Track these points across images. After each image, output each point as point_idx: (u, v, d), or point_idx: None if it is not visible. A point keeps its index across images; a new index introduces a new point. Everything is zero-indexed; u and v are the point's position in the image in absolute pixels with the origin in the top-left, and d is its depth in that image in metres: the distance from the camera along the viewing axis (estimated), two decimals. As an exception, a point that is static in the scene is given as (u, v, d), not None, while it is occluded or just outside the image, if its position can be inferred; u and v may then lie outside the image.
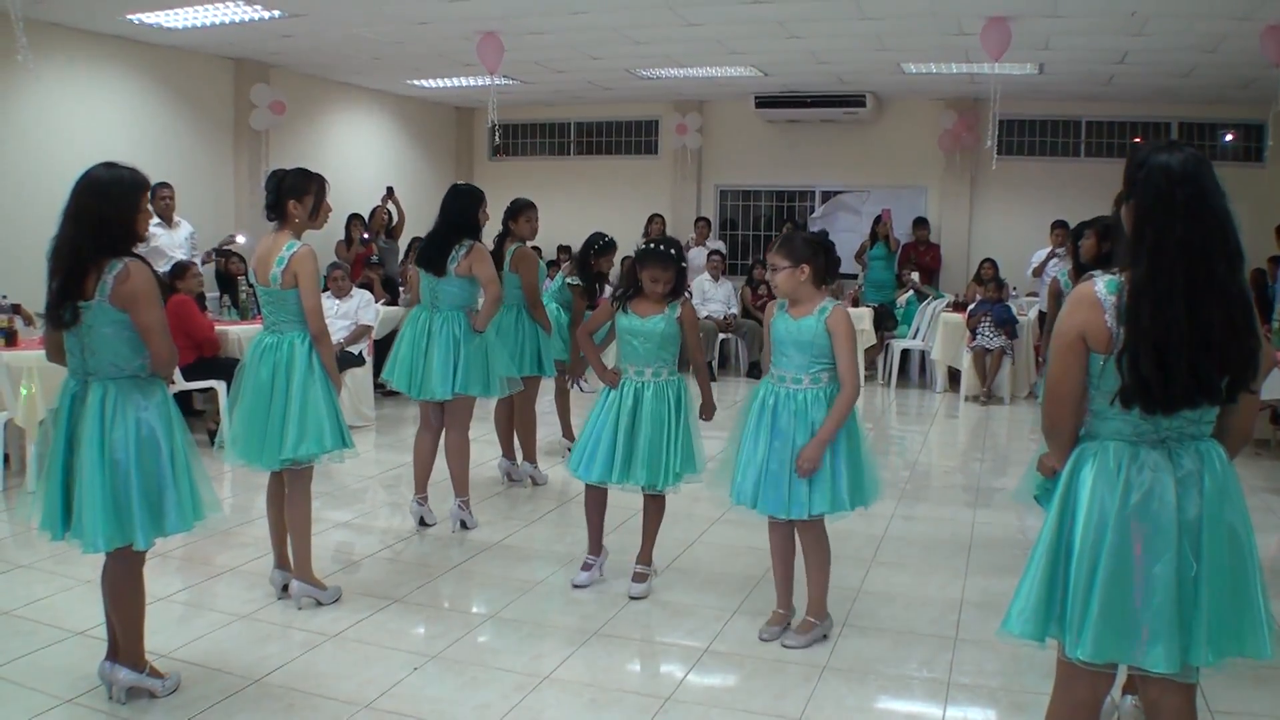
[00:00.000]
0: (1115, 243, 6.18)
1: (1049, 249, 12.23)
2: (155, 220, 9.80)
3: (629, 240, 15.07)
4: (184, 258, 9.63)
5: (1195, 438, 2.83)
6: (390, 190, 13.77)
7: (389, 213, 13.66)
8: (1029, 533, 6.45)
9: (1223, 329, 2.70)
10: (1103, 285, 2.83)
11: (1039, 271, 11.94)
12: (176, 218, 10.15)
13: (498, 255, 7.42)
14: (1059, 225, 12.03)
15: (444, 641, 4.81)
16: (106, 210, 3.81)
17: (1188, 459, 2.80)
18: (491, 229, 7.66)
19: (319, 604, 5.14)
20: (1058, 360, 2.91)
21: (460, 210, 6.38)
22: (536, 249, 8.59)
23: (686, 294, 5.28)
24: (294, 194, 5.01)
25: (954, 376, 12.24)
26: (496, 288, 6.37)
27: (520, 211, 7.46)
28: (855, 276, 14.70)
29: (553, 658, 4.63)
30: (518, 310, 7.45)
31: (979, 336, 11.56)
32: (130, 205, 3.87)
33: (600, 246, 7.92)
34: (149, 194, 4.01)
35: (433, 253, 6.33)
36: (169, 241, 9.94)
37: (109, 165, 3.89)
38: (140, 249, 3.97)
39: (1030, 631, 2.90)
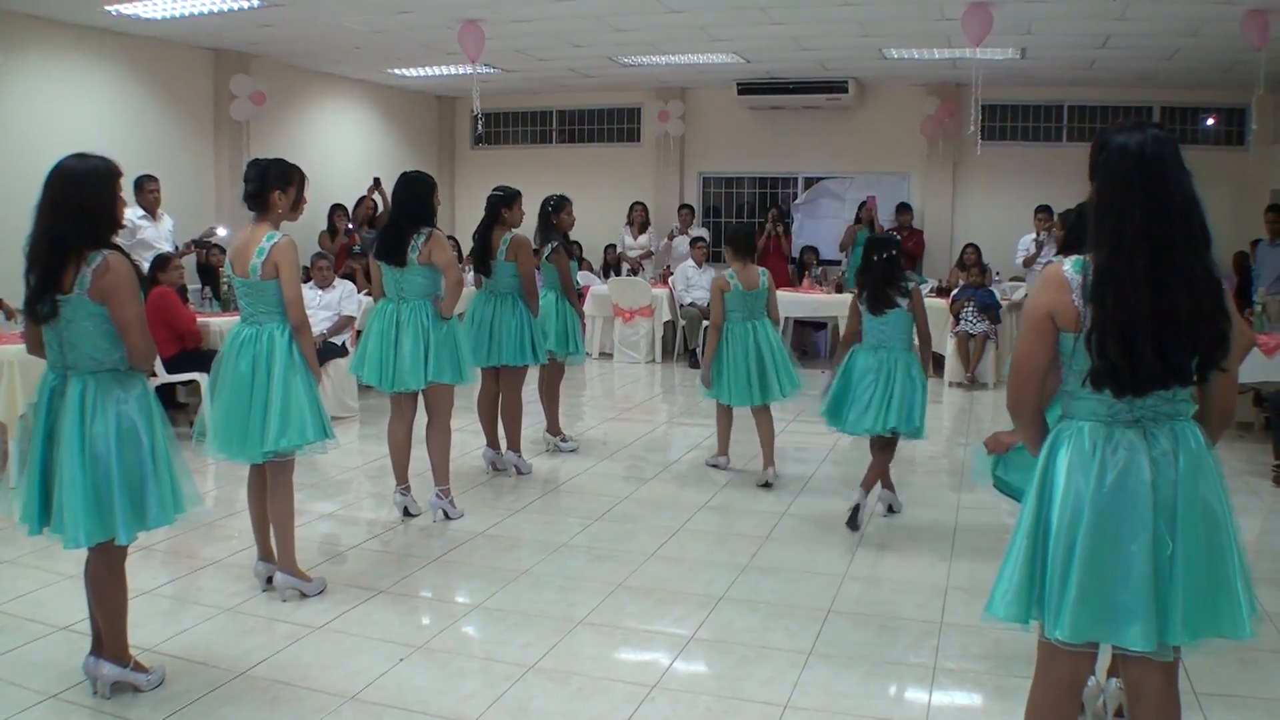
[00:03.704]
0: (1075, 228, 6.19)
1: (1033, 235, 12.26)
2: (140, 213, 9.77)
3: (613, 229, 15.13)
4: (168, 250, 9.59)
5: (1171, 417, 2.82)
6: (377, 181, 13.70)
7: (374, 203, 13.60)
8: (1014, 517, 6.46)
9: (1189, 311, 2.70)
10: (1070, 265, 2.86)
11: (1030, 262, 11.95)
12: (159, 210, 10.10)
13: (486, 244, 7.40)
14: (1042, 210, 12.07)
15: (429, 632, 4.81)
16: (87, 199, 3.78)
17: (1163, 439, 2.79)
18: (476, 217, 7.66)
19: (303, 596, 5.13)
20: (1025, 338, 2.96)
21: (414, 199, 6.31)
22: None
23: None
24: (279, 184, 4.99)
25: (937, 362, 12.23)
26: (456, 273, 6.33)
27: (515, 199, 7.46)
28: (839, 263, 14.71)
29: (538, 647, 4.62)
30: (513, 299, 7.43)
31: (962, 321, 11.58)
32: (109, 192, 3.86)
33: (555, 204, 8.12)
34: (123, 183, 3.98)
35: (391, 244, 6.27)
36: (154, 234, 9.90)
37: (80, 156, 3.87)
38: (126, 241, 3.95)
39: (1014, 614, 2.91)
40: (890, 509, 6.76)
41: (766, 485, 7.38)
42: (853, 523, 6.35)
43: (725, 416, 7.81)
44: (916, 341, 6.58)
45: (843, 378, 6.43)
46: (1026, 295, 7.10)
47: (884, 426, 6.26)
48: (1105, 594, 2.77)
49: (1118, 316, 2.70)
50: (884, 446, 6.49)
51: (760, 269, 7.50)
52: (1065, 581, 2.79)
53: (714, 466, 7.89)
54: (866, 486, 6.46)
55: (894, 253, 6.47)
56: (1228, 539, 2.81)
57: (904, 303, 6.36)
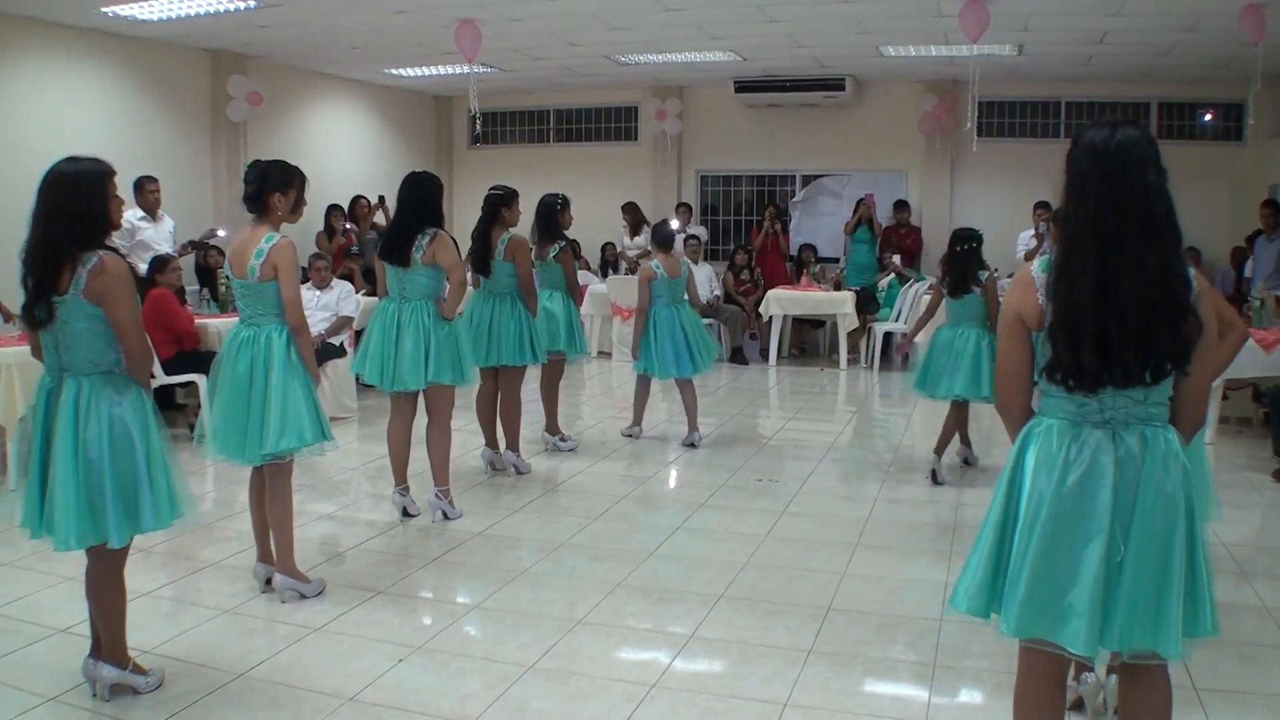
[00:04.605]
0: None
1: (1032, 230, 12.26)
2: (140, 214, 9.76)
3: (610, 227, 15.12)
4: (169, 251, 9.58)
5: (1144, 421, 2.79)
6: (382, 199, 13.67)
7: (367, 202, 13.57)
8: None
9: (1140, 310, 2.68)
10: (1037, 265, 2.89)
11: (1031, 256, 11.95)
12: (160, 211, 10.08)
13: (485, 244, 7.39)
14: (1041, 205, 12.06)
15: (428, 633, 4.81)
16: (77, 203, 3.78)
17: (1131, 441, 2.77)
18: (473, 217, 7.64)
19: (302, 597, 5.12)
20: (1000, 340, 3.00)
21: (421, 199, 6.31)
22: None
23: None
24: (279, 187, 4.98)
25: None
26: (460, 274, 6.33)
27: (514, 199, 7.45)
28: (838, 260, 14.72)
29: (537, 647, 4.62)
30: (512, 298, 7.42)
31: (961, 319, 11.54)
32: (100, 194, 3.86)
33: (562, 203, 8.15)
34: (117, 182, 3.97)
35: (396, 244, 6.27)
36: (154, 235, 9.88)
37: (71, 159, 3.86)
38: (125, 243, 3.95)
39: (975, 608, 2.93)
40: (966, 461, 7.86)
41: (691, 446, 8.62)
42: (935, 479, 7.49)
43: (643, 391, 8.95)
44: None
45: (929, 350, 7.50)
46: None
47: (957, 393, 7.26)
48: (1053, 594, 2.77)
49: (1066, 311, 2.72)
50: (959, 409, 7.54)
51: (683, 259, 8.84)
52: (1018, 578, 2.80)
53: (629, 436, 8.95)
54: (939, 452, 7.56)
55: (975, 245, 7.31)
56: (1179, 554, 2.74)
57: (977, 290, 7.22)
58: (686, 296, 8.69)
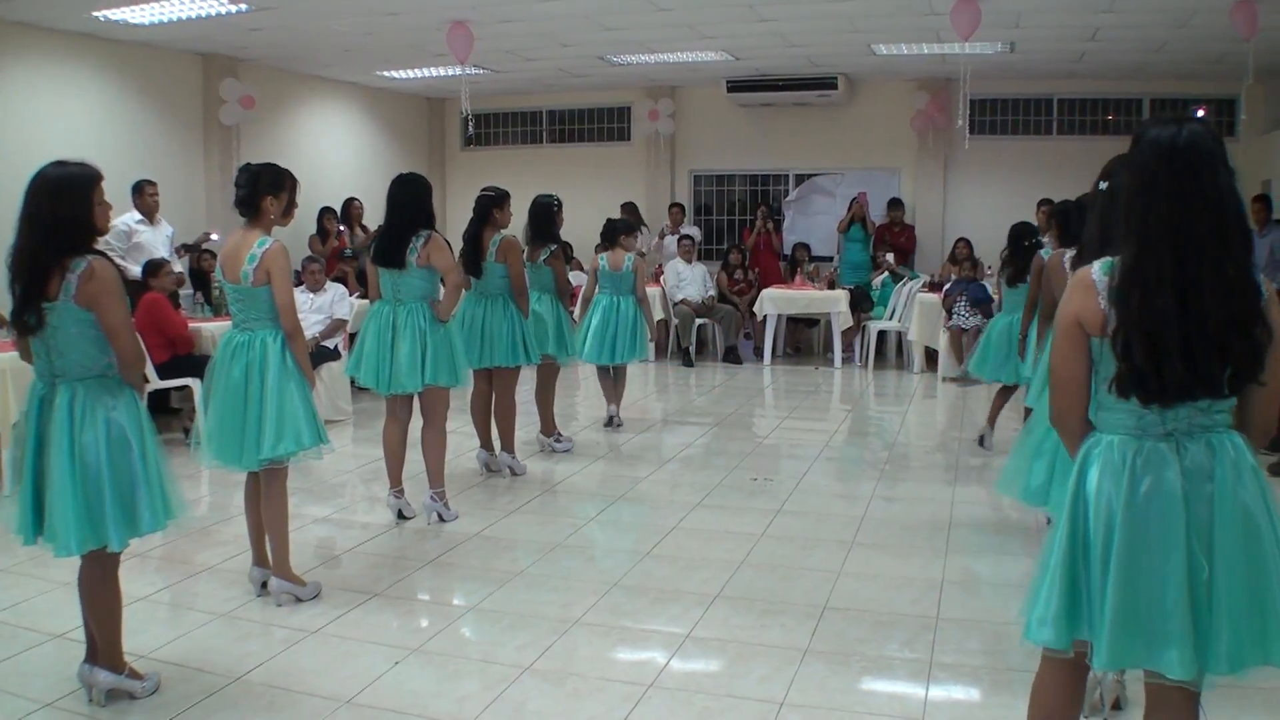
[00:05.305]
0: (1070, 224, 6.15)
1: (1032, 228, 12.24)
2: (138, 218, 9.73)
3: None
4: (166, 256, 9.55)
5: (1207, 429, 2.67)
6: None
7: (361, 205, 13.55)
8: (1008, 511, 6.47)
9: (1220, 318, 2.55)
10: (1098, 267, 2.73)
11: None
12: (158, 216, 10.04)
13: (476, 245, 7.37)
14: (1045, 203, 12.04)
15: (425, 635, 4.80)
16: (59, 210, 3.75)
17: (1196, 450, 2.64)
18: (466, 218, 7.62)
19: (298, 600, 5.11)
20: (1057, 346, 2.83)
21: (412, 201, 6.26)
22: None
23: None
24: (271, 190, 4.96)
25: (931, 357, 12.28)
26: (456, 275, 6.32)
27: (506, 200, 7.42)
28: (831, 259, 14.72)
29: (534, 648, 4.61)
30: (504, 300, 7.41)
31: (955, 316, 11.57)
32: (82, 201, 3.81)
33: (559, 205, 8.21)
34: (102, 186, 3.91)
35: (390, 247, 6.23)
36: (151, 239, 9.83)
37: (58, 164, 3.84)
38: (122, 246, 3.93)
39: (1052, 639, 2.77)
40: (981, 441, 8.42)
41: (611, 424, 9.31)
42: (983, 443, 8.40)
43: (604, 378, 9.42)
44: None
45: (986, 336, 8.26)
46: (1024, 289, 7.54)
47: (1010, 378, 7.96)
48: (1141, 619, 2.62)
49: (1144, 320, 2.58)
50: (1003, 391, 8.31)
51: (627, 255, 9.12)
52: (1102, 606, 2.66)
53: (617, 426, 9.36)
54: (991, 421, 8.42)
55: (1037, 241, 7.98)
56: (1275, 556, 2.61)
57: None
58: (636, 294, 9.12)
